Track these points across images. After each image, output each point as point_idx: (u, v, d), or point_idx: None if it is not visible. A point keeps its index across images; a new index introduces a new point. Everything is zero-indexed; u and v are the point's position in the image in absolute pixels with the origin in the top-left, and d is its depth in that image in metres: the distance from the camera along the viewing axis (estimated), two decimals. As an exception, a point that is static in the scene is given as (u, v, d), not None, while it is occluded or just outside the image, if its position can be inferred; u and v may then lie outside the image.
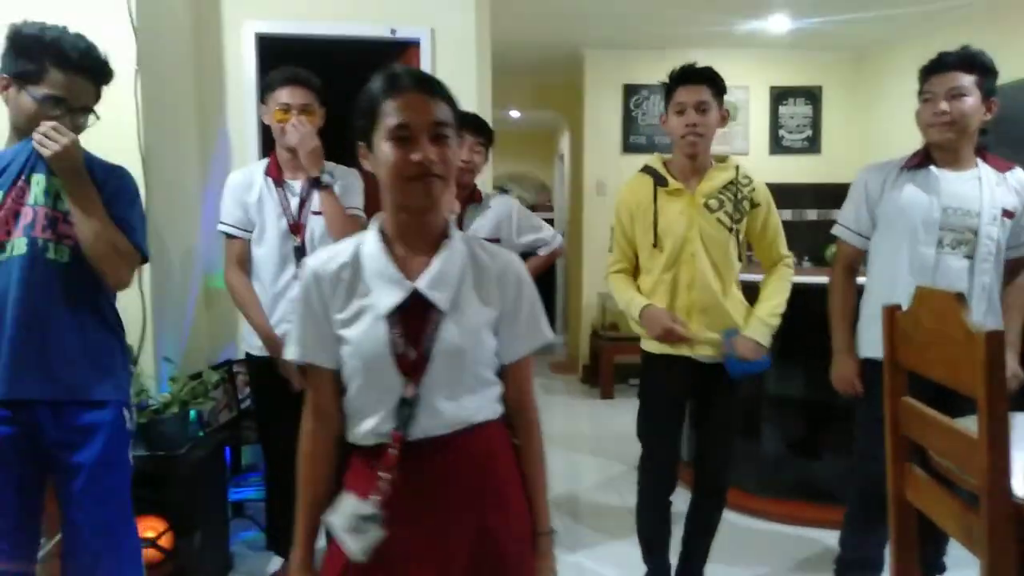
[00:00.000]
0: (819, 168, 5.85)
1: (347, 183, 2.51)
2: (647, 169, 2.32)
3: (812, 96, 5.91)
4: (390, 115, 1.16)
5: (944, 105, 2.11)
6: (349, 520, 1.16)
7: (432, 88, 1.20)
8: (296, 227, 2.43)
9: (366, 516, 1.16)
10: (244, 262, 2.46)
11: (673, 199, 2.22)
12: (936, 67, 2.16)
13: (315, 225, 2.45)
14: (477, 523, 1.22)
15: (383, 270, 1.21)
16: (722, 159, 2.31)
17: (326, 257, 1.25)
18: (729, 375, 2.22)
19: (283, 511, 2.68)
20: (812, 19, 4.91)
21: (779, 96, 5.90)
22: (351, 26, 3.28)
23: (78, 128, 1.70)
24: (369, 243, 1.24)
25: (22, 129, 1.68)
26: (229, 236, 2.46)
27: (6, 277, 1.64)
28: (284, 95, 2.39)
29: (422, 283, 1.20)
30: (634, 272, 2.36)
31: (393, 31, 3.29)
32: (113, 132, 1.76)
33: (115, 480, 1.76)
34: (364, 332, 1.20)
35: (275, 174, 2.47)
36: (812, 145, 5.92)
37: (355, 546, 1.15)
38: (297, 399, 2.49)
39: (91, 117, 1.75)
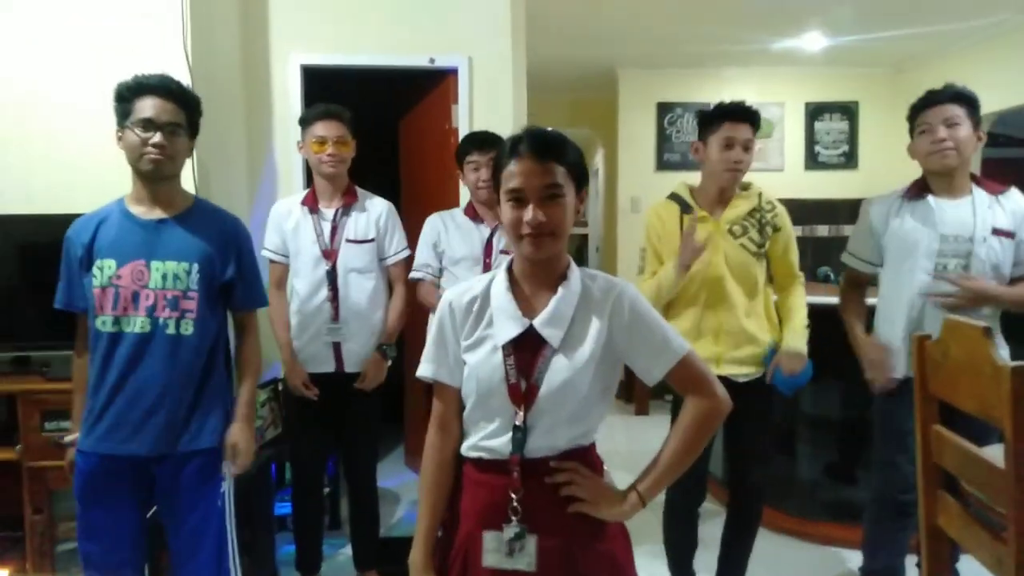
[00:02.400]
0: (856, 183, 5.80)
1: (390, 226, 2.69)
2: (673, 196, 2.41)
3: (849, 111, 5.88)
4: (509, 179, 1.30)
5: (943, 132, 2.23)
6: (503, 550, 1.29)
7: (548, 153, 1.30)
8: (328, 253, 2.58)
9: (514, 537, 1.29)
10: (282, 284, 2.67)
11: (699, 225, 2.29)
12: (929, 102, 2.29)
13: (347, 252, 2.60)
14: (567, 546, 1.31)
15: (506, 307, 1.34)
16: (745, 186, 2.39)
17: (462, 290, 1.40)
18: (782, 393, 2.35)
19: (309, 530, 2.79)
20: (848, 36, 4.89)
21: (815, 112, 5.88)
22: (392, 56, 3.40)
23: (177, 147, 1.86)
24: (498, 281, 1.38)
25: (139, 168, 1.85)
26: (271, 261, 2.67)
27: (129, 350, 1.83)
28: (320, 128, 2.54)
29: (538, 321, 1.32)
30: None
31: (432, 60, 3.40)
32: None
33: (201, 500, 1.93)
34: (482, 359, 1.33)
35: (311, 203, 2.63)
36: (849, 160, 5.88)
37: (523, 563, 1.29)
38: (324, 421, 2.65)
39: (184, 139, 1.89)
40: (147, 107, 1.82)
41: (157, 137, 1.81)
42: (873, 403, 2.43)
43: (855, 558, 2.99)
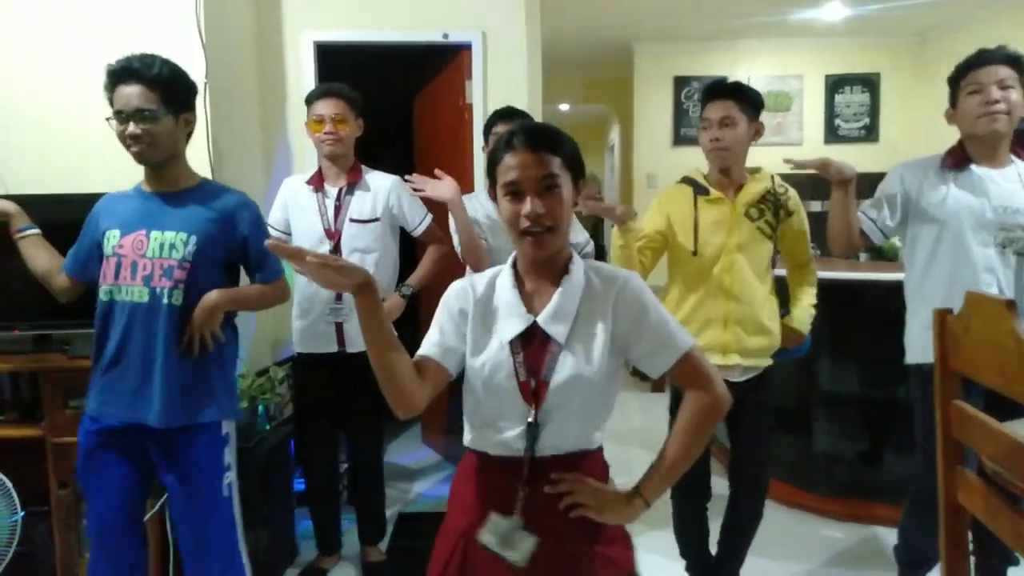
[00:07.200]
0: (877, 156, 5.71)
1: (403, 201, 2.66)
2: (686, 180, 2.34)
3: (870, 83, 5.77)
4: (505, 172, 1.28)
5: (996, 93, 2.09)
6: (501, 536, 1.28)
7: (543, 144, 1.28)
8: (331, 232, 2.57)
9: (515, 529, 1.28)
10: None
11: (713, 207, 2.25)
12: (980, 61, 2.14)
13: (350, 231, 2.58)
14: (569, 549, 1.30)
15: (510, 302, 1.33)
16: (755, 170, 2.32)
17: (477, 278, 1.38)
18: (774, 359, 2.33)
19: (323, 511, 2.82)
20: (869, 6, 4.79)
21: (835, 84, 5.79)
22: (405, 32, 3.38)
23: (155, 132, 1.80)
24: (504, 275, 1.37)
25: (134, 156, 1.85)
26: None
27: (125, 319, 1.84)
28: (319, 107, 2.53)
29: (542, 317, 1.30)
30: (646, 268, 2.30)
31: (445, 35, 3.37)
32: (185, 142, 1.93)
33: (205, 487, 1.93)
34: (490, 357, 1.31)
35: (316, 182, 2.62)
36: (870, 133, 5.79)
37: (515, 556, 1.27)
38: (333, 403, 2.66)
39: (165, 119, 1.83)
40: (116, 98, 1.81)
41: (130, 127, 1.79)
42: (913, 392, 2.31)
43: (871, 533, 2.99)
